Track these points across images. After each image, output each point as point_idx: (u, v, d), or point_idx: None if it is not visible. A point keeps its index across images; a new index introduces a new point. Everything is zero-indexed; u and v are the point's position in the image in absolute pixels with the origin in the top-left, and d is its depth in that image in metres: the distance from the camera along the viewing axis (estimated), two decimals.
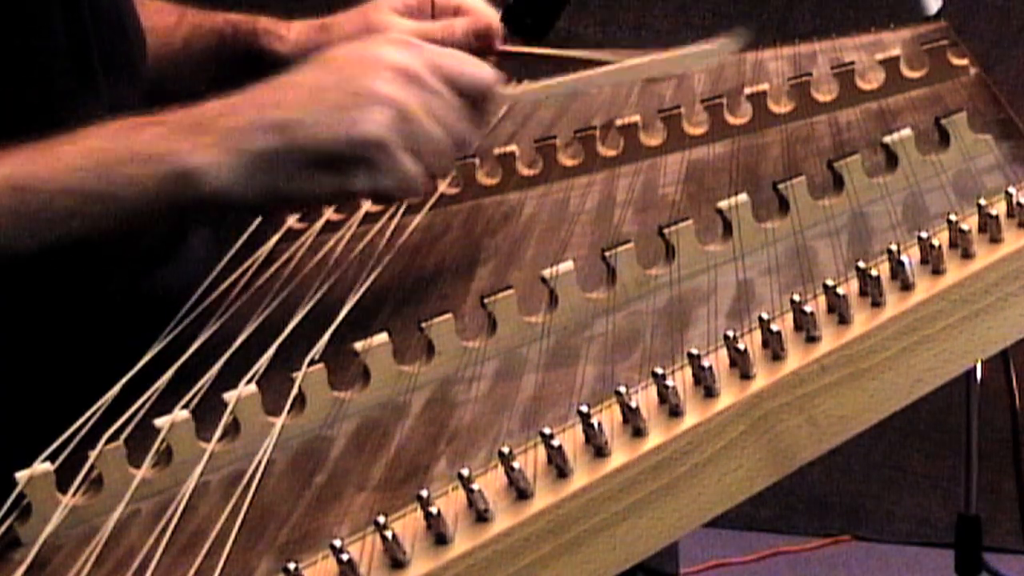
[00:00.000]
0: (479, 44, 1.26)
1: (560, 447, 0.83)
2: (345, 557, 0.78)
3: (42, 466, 0.87)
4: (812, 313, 0.89)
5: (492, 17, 1.28)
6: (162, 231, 1.12)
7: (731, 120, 1.16)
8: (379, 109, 0.96)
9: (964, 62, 1.16)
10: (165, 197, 0.95)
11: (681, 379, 0.88)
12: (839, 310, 0.91)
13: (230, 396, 0.91)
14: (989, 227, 0.95)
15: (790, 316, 0.91)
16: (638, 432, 0.85)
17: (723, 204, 0.99)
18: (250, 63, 1.26)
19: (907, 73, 1.15)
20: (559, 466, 0.83)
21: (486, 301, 0.95)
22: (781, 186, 1.00)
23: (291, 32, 1.29)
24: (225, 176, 0.95)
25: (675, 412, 0.86)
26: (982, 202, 0.96)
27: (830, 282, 0.91)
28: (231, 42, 1.28)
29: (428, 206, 1.16)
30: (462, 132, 1.00)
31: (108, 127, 0.97)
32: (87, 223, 0.95)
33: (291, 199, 0.99)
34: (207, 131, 0.95)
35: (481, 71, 1.02)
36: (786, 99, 1.16)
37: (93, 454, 0.88)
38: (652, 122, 1.17)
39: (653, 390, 0.87)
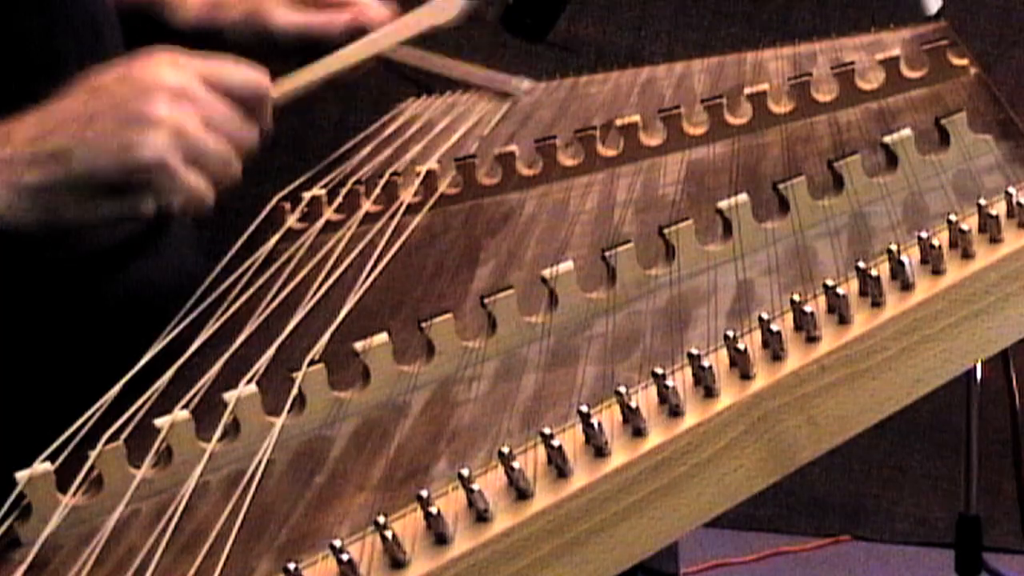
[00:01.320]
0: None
1: (560, 447, 0.83)
2: (345, 557, 0.78)
3: (42, 466, 0.87)
4: (812, 313, 0.89)
5: (375, 13, 1.29)
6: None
7: (731, 120, 1.16)
8: (156, 131, 0.96)
9: (964, 62, 1.16)
10: None
11: (681, 379, 0.88)
12: (839, 310, 0.91)
13: (230, 396, 0.91)
14: (989, 227, 0.95)
15: (790, 316, 0.91)
16: (638, 432, 0.85)
17: (723, 204, 0.99)
18: (149, 33, 1.25)
19: (907, 73, 1.15)
20: (559, 466, 0.83)
21: (486, 301, 0.95)
22: (781, 186, 1.00)
23: (186, 5, 1.30)
24: (2, 207, 0.94)
25: (675, 412, 0.86)
26: (982, 202, 0.96)
27: (830, 282, 0.91)
28: (132, 9, 1.28)
29: (428, 206, 1.16)
30: (242, 138, 1.01)
31: None
32: None
33: (73, 225, 0.98)
34: None
35: (249, 75, 1.03)
36: (786, 99, 1.16)
37: (93, 454, 0.88)
38: (652, 122, 1.17)
39: (653, 390, 0.87)
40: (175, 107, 0.97)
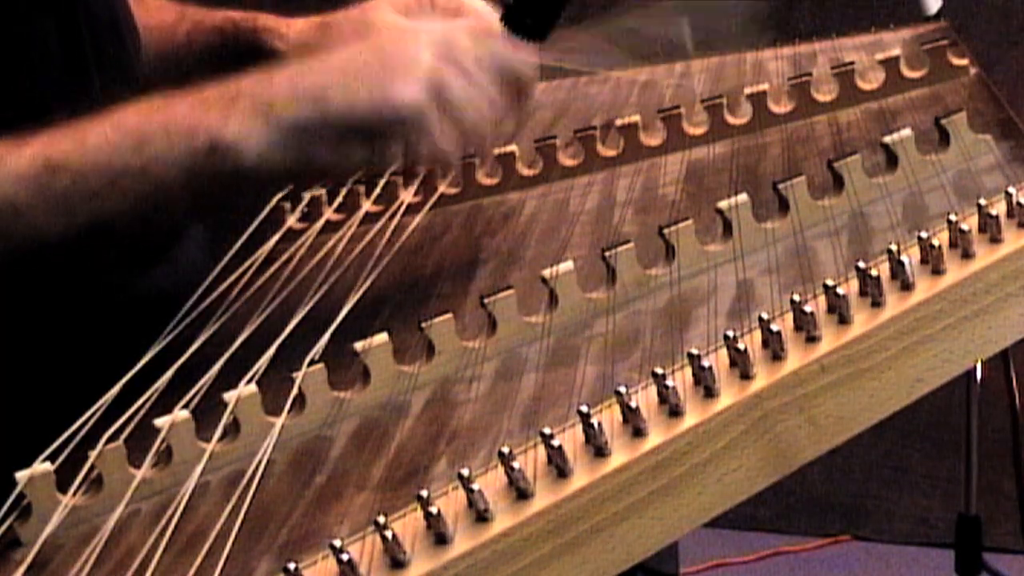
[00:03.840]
0: None
1: (560, 447, 0.83)
2: (345, 557, 0.78)
3: (42, 466, 0.87)
4: (812, 313, 0.89)
5: (493, 19, 1.29)
6: (176, 223, 1.11)
7: (731, 120, 1.16)
8: (414, 80, 0.96)
9: (964, 62, 1.16)
10: (199, 170, 0.94)
11: (681, 379, 0.88)
12: (839, 310, 0.91)
13: (230, 396, 0.91)
14: (989, 227, 0.95)
15: (790, 316, 0.91)
16: (638, 432, 0.85)
17: (723, 204, 0.99)
18: (250, 60, 1.26)
19: (907, 73, 1.15)
20: (559, 466, 0.83)
21: (486, 301, 0.95)
22: (781, 186, 1.00)
23: (291, 30, 1.29)
24: (258, 146, 0.94)
25: (675, 412, 0.86)
26: (982, 202, 0.96)
27: (830, 282, 0.91)
28: (232, 39, 1.28)
29: (428, 206, 1.16)
30: (496, 110, 1.00)
31: (140, 103, 0.97)
32: (120, 201, 0.94)
33: (325, 169, 0.99)
34: (239, 102, 0.95)
35: (521, 61, 1.02)
36: (786, 99, 1.16)
37: (93, 454, 0.88)
38: (652, 122, 1.17)
39: (653, 390, 0.87)
40: (438, 62, 0.97)
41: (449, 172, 1.06)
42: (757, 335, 0.90)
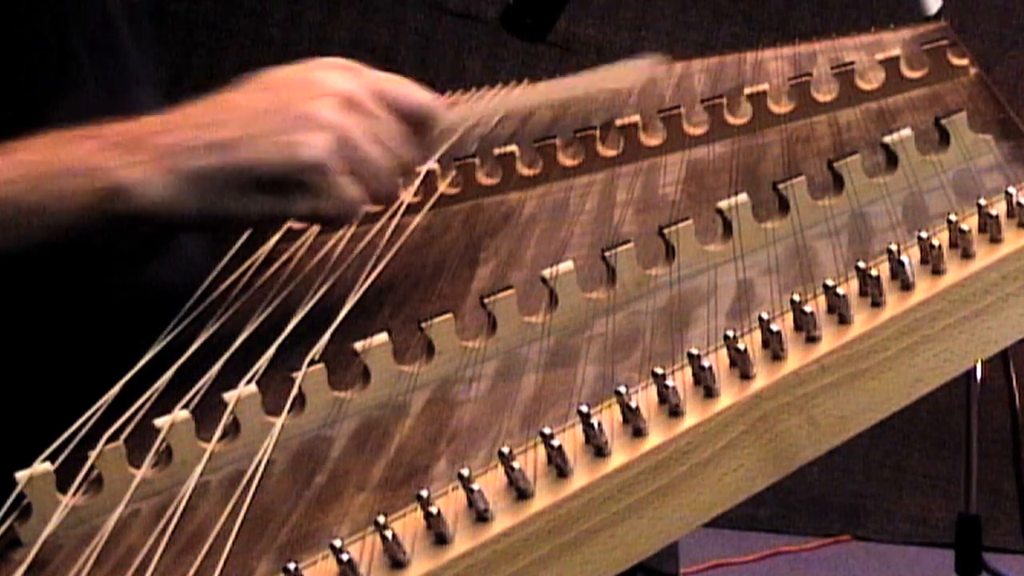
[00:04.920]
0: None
1: (560, 447, 0.83)
2: (345, 557, 0.78)
3: (42, 466, 0.87)
4: (812, 313, 0.89)
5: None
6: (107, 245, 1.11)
7: (731, 120, 1.16)
8: (320, 134, 0.96)
9: (964, 62, 1.16)
10: (97, 213, 0.94)
11: (681, 379, 0.88)
12: (839, 310, 0.91)
13: (230, 396, 0.91)
14: (989, 227, 0.95)
15: (790, 316, 0.91)
16: (638, 432, 0.85)
17: (723, 204, 0.99)
18: None
19: (907, 73, 1.15)
20: (559, 466, 0.83)
21: (486, 301, 0.95)
22: (781, 186, 1.00)
23: None
24: (157, 194, 0.94)
25: (675, 412, 0.86)
26: (982, 202, 0.96)
27: (830, 282, 0.91)
28: None
29: (428, 206, 1.16)
30: (404, 156, 1.00)
31: (42, 139, 0.96)
32: (21, 237, 0.94)
33: (226, 219, 0.98)
34: (142, 148, 0.95)
35: (423, 97, 1.03)
36: (786, 99, 1.16)
37: (93, 454, 0.88)
38: (652, 122, 1.17)
39: (653, 390, 0.87)
40: (343, 113, 0.97)
41: (354, 221, 1.06)
42: (757, 335, 0.90)
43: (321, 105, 0.97)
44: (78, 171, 0.94)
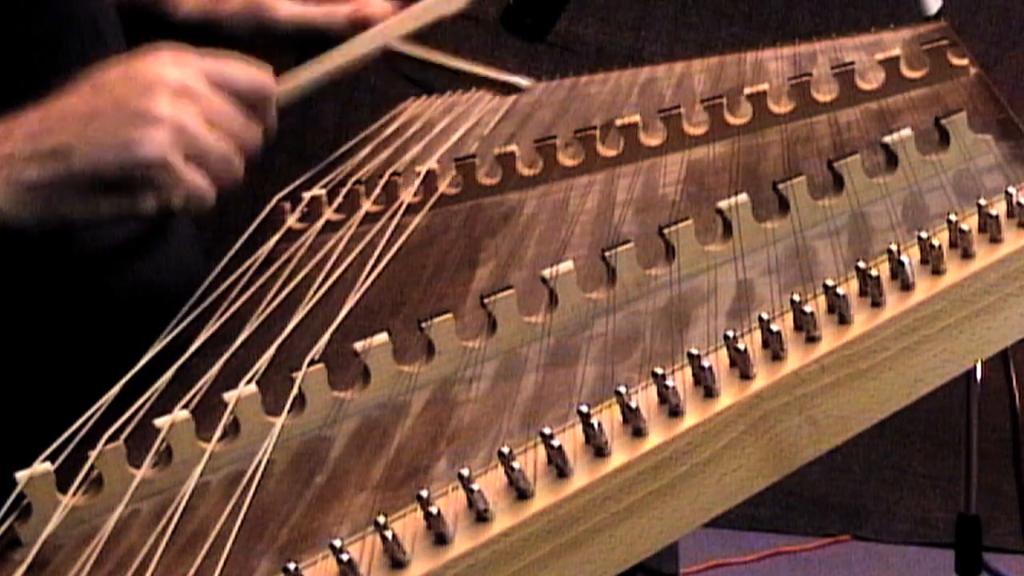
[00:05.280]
0: (358, 33, 1.27)
1: (560, 447, 0.83)
2: (345, 557, 0.78)
3: (42, 466, 0.87)
4: (812, 313, 0.89)
5: (377, 7, 1.29)
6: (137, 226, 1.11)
7: (731, 120, 1.16)
8: (157, 128, 0.96)
9: (964, 62, 1.16)
10: None
11: (681, 379, 0.88)
12: (839, 310, 0.91)
13: (230, 396, 0.91)
14: (989, 227, 0.95)
15: (790, 316, 0.91)
16: (638, 432, 0.85)
17: (723, 204, 0.99)
18: (150, 26, 1.25)
19: (907, 73, 1.15)
20: (559, 466, 0.83)
21: (486, 301, 0.95)
22: (781, 186, 1.00)
23: (187, 1, 1.29)
24: None
25: (675, 412, 0.86)
26: (982, 202, 0.96)
27: (830, 282, 0.91)
28: (136, 5, 1.27)
29: (428, 206, 1.16)
30: (245, 137, 1.00)
31: None
32: None
33: (71, 222, 0.98)
34: None
35: (254, 73, 1.03)
36: (786, 99, 1.16)
37: (93, 454, 0.88)
38: (652, 122, 1.17)
39: (653, 390, 0.87)
40: (177, 104, 0.97)
41: (206, 209, 1.06)
42: (757, 335, 0.90)
43: (154, 99, 0.96)
44: None
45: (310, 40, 1.27)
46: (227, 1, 1.29)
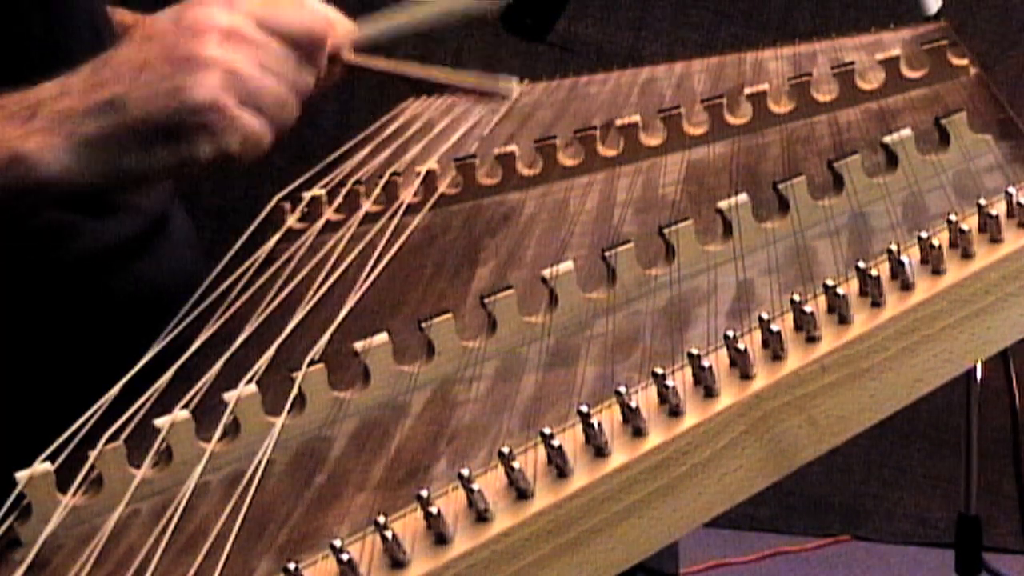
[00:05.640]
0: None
1: (560, 447, 0.83)
2: (345, 557, 0.78)
3: (42, 466, 0.87)
4: (812, 313, 0.89)
5: (340, 28, 1.27)
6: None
7: (731, 120, 1.16)
8: (208, 72, 0.95)
9: (964, 62, 1.16)
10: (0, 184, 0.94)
11: (681, 379, 0.88)
12: (839, 310, 0.91)
13: (230, 396, 0.91)
14: (989, 227, 0.95)
15: (790, 316, 0.91)
16: (638, 432, 0.85)
17: (723, 204, 0.99)
18: None
19: (907, 73, 1.15)
20: (559, 466, 0.83)
21: (486, 301, 0.95)
22: (781, 186, 1.00)
23: None
24: (58, 160, 0.94)
25: (675, 412, 0.86)
26: (982, 202, 0.96)
27: (830, 282, 0.91)
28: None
29: (428, 206, 1.16)
30: (297, 80, 1.00)
31: None
32: None
33: (133, 176, 0.97)
34: (38, 115, 0.95)
35: (307, 17, 1.02)
36: (786, 99, 1.16)
37: (93, 454, 0.88)
38: (652, 122, 1.17)
39: (653, 390, 0.87)
40: (227, 48, 0.96)
41: (262, 151, 1.05)
42: (757, 335, 0.90)
43: (204, 43, 0.96)
44: None
45: None
46: None
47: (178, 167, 0.98)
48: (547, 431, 0.83)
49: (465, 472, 0.81)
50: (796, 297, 0.90)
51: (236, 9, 0.99)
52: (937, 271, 0.93)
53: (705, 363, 0.87)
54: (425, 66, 1.25)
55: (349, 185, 1.21)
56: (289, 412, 0.91)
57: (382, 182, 1.19)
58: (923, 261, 0.94)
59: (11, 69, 1.06)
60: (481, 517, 0.82)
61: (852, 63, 1.16)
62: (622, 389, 0.85)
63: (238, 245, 1.14)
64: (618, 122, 1.18)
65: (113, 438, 0.89)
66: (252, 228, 1.17)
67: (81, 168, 0.94)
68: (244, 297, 1.07)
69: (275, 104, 0.98)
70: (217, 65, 0.95)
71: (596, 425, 0.84)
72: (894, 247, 0.93)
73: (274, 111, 0.98)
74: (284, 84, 0.99)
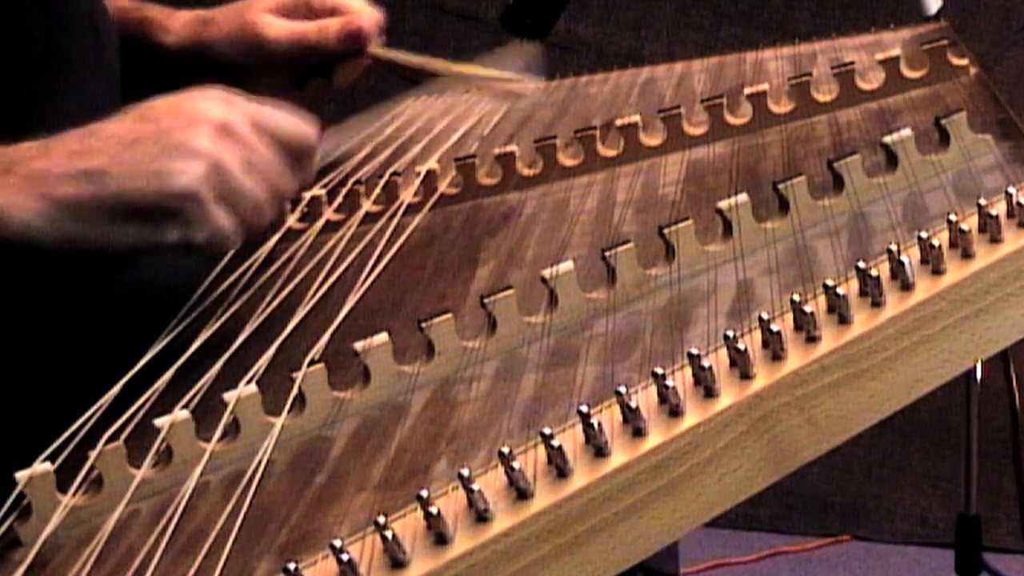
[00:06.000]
0: (352, 47, 1.26)
1: (560, 447, 0.83)
2: (345, 557, 0.78)
3: (42, 466, 0.87)
4: (812, 313, 0.89)
5: (368, 19, 1.28)
6: None
7: (731, 120, 1.16)
8: (193, 162, 0.95)
9: (964, 62, 1.16)
10: None
11: (681, 379, 0.88)
12: (839, 310, 0.91)
13: (230, 396, 0.91)
14: (989, 227, 0.95)
15: (790, 316, 0.91)
16: (638, 432, 0.85)
17: (723, 204, 0.99)
18: (137, 55, 1.24)
19: (907, 73, 1.15)
20: (559, 466, 0.83)
21: (486, 301, 0.95)
22: (781, 186, 1.00)
23: (175, 23, 1.29)
24: (26, 219, 0.94)
25: (675, 412, 0.86)
26: (982, 202, 0.96)
27: (830, 282, 0.91)
28: (124, 31, 1.27)
29: (428, 206, 1.16)
30: (279, 186, 1.00)
31: None
32: None
33: (94, 246, 0.97)
34: (13, 172, 0.94)
35: (299, 124, 1.02)
36: (786, 99, 1.16)
37: (93, 454, 0.88)
38: (652, 122, 1.17)
39: (653, 390, 0.87)
40: (217, 142, 0.96)
41: (226, 251, 1.06)
42: (757, 335, 0.90)
43: (195, 133, 0.96)
44: None
45: (303, 58, 1.26)
46: (215, 24, 1.28)
47: (140, 245, 0.98)
48: (547, 431, 0.83)
49: (465, 472, 0.81)
50: (796, 297, 0.90)
51: (233, 106, 0.99)
52: (937, 271, 0.93)
53: (705, 363, 0.87)
54: (448, 61, 1.25)
55: (349, 185, 1.21)
56: (289, 412, 0.91)
57: (382, 182, 1.19)
58: (923, 261, 0.94)
59: (11, 69, 1.06)
60: (481, 517, 0.82)
61: (852, 63, 1.16)
62: (622, 389, 0.85)
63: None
64: (618, 122, 1.18)
65: (113, 438, 0.89)
66: None
67: (45, 230, 0.94)
68: (244, 297, 1.07)
69: (251, 206, 0.98)
70: (204, 157, 0.95)
71: (596, 425, 0.84)
72: (894, 247, 0.93)
73: (248, 213, 0.98)
74: (265, 187, 0.98)
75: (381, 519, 0.80)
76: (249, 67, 1.24)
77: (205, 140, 0.96)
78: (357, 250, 1.11)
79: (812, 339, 0.90)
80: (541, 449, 0.84)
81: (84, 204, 0.95)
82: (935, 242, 0.93)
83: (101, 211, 0.95)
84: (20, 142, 0.97)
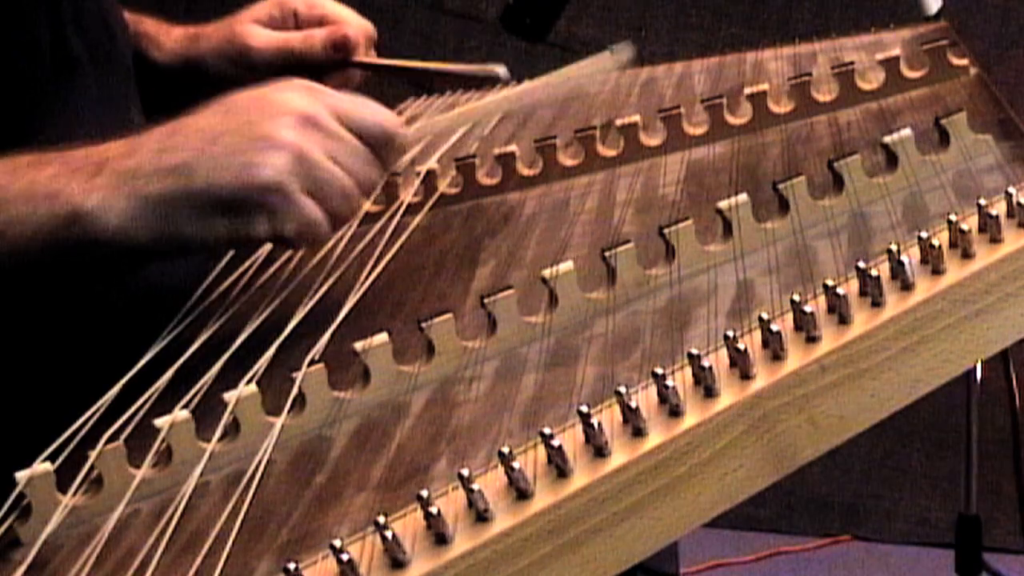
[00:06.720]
0: (338, 56, 1.27)
1: (560, 447, 0.83)
2: (345, 557, 0.78)
3: (42, 466, 0.87)
4: (812, 313, 0.89)
5: (355, 27, 1.28)
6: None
7: (731, 120, 1.16)
8: (278, 154, 0.95)
9: (964, 62, 1.16)
10: (57, 237, 0.94)
11: (681, 379, 0.88)
12: (839, 310, 0.91)
13: (230, 396, 0.91)
14: (989, 227, 0.95)
15: (790, 316, 0.91)
16: (638, 432, 0.85)
17: (723, 204, 0.99)
18: (135, 67, 1.25)
19: (907, 73, 1.15)
20: (559, 466, 0.83)
21: (486, 301, 0.95)
22: (781, 186, 1.00)
23: (168, 39, 1.29)
24: (117, 219, 0.94)
25: (675, 412, 0.86)
26: (982, 202, 0.96)
27: (830, 282, 0.91)
28: None
29: (428, 206, 1.16)
30: (364, 176, 1.00)
31: (10, 161, 0.96)
32: None
33: (187, 243, 0.97)
34: (103, 172, 0.95)
35: (382, 116, 1.02)
36: (786, 99, 1.16)
37: (93, 454, 0.88)
38: (652, 122, 1.17)
39: (653, 390, 0.87)
40: (301, 133, 0.96)
41: (320, 244, 1.06)
42: (757, 335, 0.90)
43: (280, 125, 0.96)
44: (39, 195, 0.94)
45: (290, 68, 1.27)
46: (204, 38, 1.29)
47: (232, 240, 0.98)
48: (547, 431, 0.83)
49: (465, 472, 0.81)
50: (796, 297, 0.90)
51: (316, 98, 0.99)
52: (937, 271, 0.93)
53: (705, 363, 0.87)
54: (422, 61, 1.26)
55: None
56: (289, 412, 0.91)
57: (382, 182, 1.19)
58: (923, 261, 0.94)
59: (25, 72, 1.06)
60: (481, 517, 0.82)
61: (852, 63, 1.16)
62: (622, 389, 0.85)
63: None
64: (618, 122, 1.18)
65: (113, 438, 0.89)
66: None
67: (138, 228, 0.95)
68: (244, 297, 1.07)
69: (339, 196, 0.98)
70: (289, 148, 0.96)
71: (596, 425, 0.84)
72: (894, 247, 0.93)
73: (336, 203, 0.98)
74: (351, 178, 0.99)
75: (381, 519, 0.80)
76: (237, 78, 1.25)
77: (289, 131, 0.96)
78: (357, 250, 1.11)
79: (812, 339, 0.90)
80: (541, 449, 0.84)
81: (174, 200, 0.95)
82: (935, 242, 0.93)
83: (191, 206, 0.95)
84: (31, 140, 0.97)
